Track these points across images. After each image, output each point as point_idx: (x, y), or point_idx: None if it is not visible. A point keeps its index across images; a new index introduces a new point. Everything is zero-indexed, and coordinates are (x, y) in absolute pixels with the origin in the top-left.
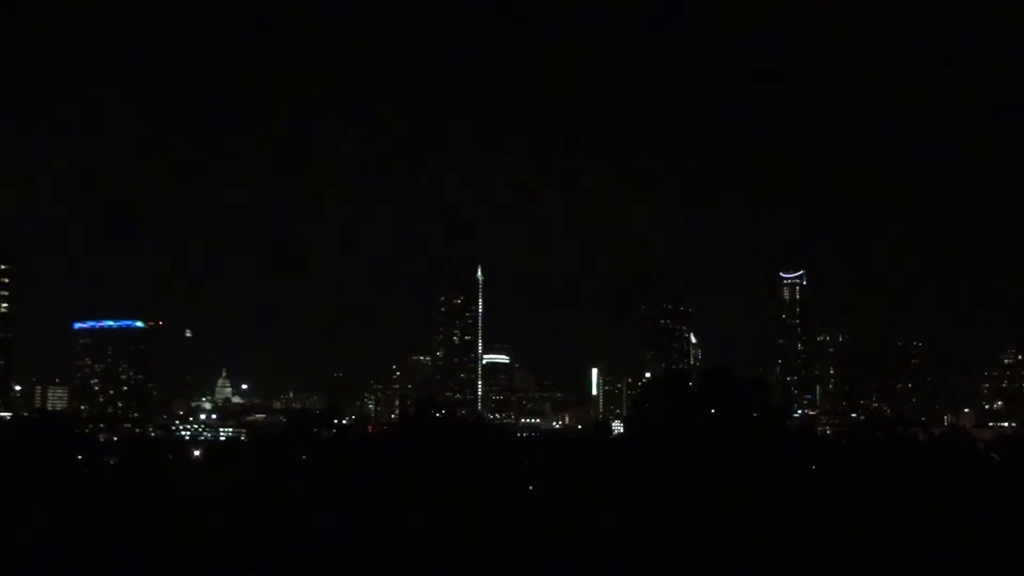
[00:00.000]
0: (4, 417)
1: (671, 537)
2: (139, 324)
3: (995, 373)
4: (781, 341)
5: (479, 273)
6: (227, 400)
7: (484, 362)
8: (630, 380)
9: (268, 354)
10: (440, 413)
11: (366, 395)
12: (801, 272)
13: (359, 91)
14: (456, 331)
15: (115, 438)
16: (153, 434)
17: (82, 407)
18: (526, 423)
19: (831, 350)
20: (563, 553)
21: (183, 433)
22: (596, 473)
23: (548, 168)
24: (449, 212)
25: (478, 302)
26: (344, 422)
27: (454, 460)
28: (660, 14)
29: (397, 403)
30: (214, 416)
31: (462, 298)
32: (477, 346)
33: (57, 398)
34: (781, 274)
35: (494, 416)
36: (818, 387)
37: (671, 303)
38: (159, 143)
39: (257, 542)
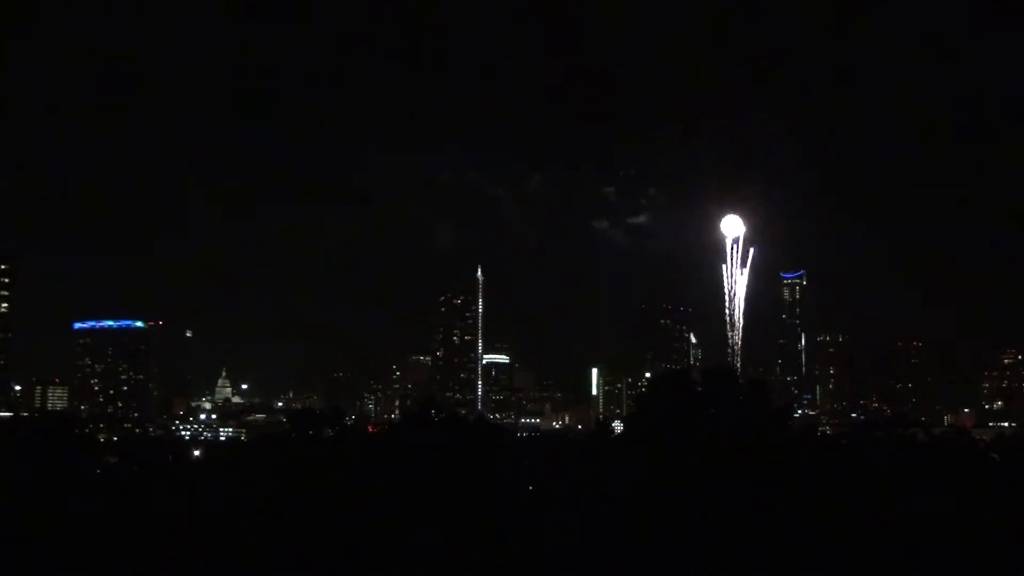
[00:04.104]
0: (4, 417)
1: (672, 537)
2: (139, 324)
3: (995, 373)
4: (781, 341)
5: (479, 273)
6: (227, 400)
7: (484, 362)
8: (630, 380)
9: (268, 354)
10: (441, 414)
11: (366, 395)
12: (801, 272)
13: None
14: (456, 331)
15: (115, 438)
16: (153, 434)
17: (82, 407)
18: (526, 423)
19: (831, 350)
20: (563, 553)
21: (183, 433)
22: (596, 473)
23: (550, 170)
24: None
25: (478, 302)
26: (345, 422)
27: (455, 460)
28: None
29: (397, 403)
30: (214, 416)
31: (462, 298)
32: (477, 346)
33: (57, 398)
34: (781, 274)
35: (494, 416)
36: (818, 387)
37: (671, 303)
38: (158, 143)
39: (258, 542)
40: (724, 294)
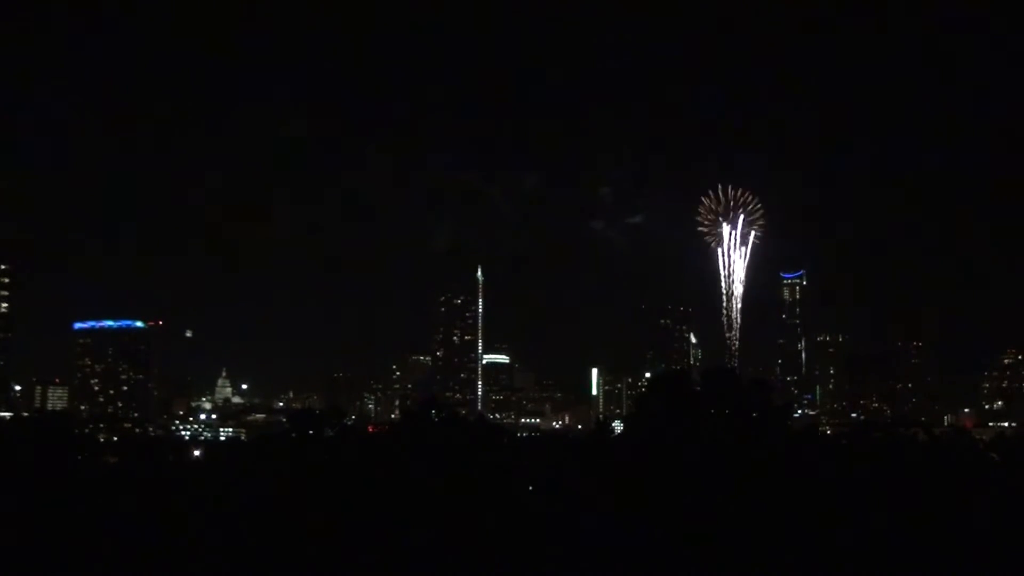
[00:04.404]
0: (4, 417)
1: (672, 537)
2: (139, 324)
3: (995, 373)
4: (781, 341)
5: (479, 273)
6: (227, 400)
7: (484, 362)
8: (630, 380)
9: (268, 354)
10: (441, 414)
11: (366, 395)
12: (801, 272)
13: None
14: (456, 331)
15: (115, 438)
16: (153, 434)
17: (82, 407)
18: (526, 423)
19: (831, 350)
20: (564, 553)
21: (183, 433)
22: (596, 473)
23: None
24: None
25: (478, 302)
26: (346, 422)
27: (455, 460)
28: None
29: (397, 403)
30: (214, 416)
31: (462, 298)
32: (477, 346)
33: (57, 398)
34: (781, 274)
35: (494, 416)
36: (818, 387)
37: (671, 303)
38: (158, 143)
39: (258, 542)
40: (721, 294)
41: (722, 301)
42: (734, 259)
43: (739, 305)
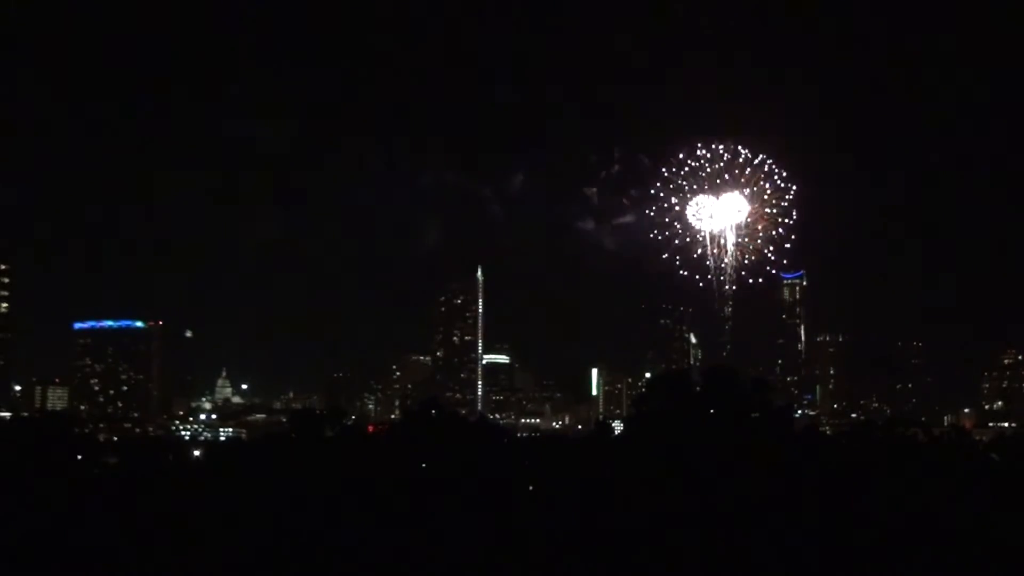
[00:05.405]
0: (4, 417)
1: (673, 536)
2: (139, 324)
3: (995, 373)
4: (781, 341)
5: (479, 273)
6: (227, 400)
7: (484, 362)
8: (630, 380)
9: (268, 354)
10: (441, 414)
11: (366, 395)
12: (801, 272)
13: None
14: (456, 331)
15: (115, 438)
16: (153, 434)
17: (82, 407)
18: (526, 423)
19: (831, 350)
20: (564, 553)
21: (183, 433)
22: (596, 473)
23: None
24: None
25: (478, 302)
26: (346, 422)
27: (455, 460)
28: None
29: (397, 403)
30: (214, 416)
31: (462, 298)
32: (477, 346)
33: (57, 398)
34: (781, 274)
35: (494, 416)
36: (818, 387)
37: (671, 303)
38: (158, 142)
39: (258, 542)
40: (715, 293)
41: (714, 299)
42: (726, 249)
43: (730, 306)
